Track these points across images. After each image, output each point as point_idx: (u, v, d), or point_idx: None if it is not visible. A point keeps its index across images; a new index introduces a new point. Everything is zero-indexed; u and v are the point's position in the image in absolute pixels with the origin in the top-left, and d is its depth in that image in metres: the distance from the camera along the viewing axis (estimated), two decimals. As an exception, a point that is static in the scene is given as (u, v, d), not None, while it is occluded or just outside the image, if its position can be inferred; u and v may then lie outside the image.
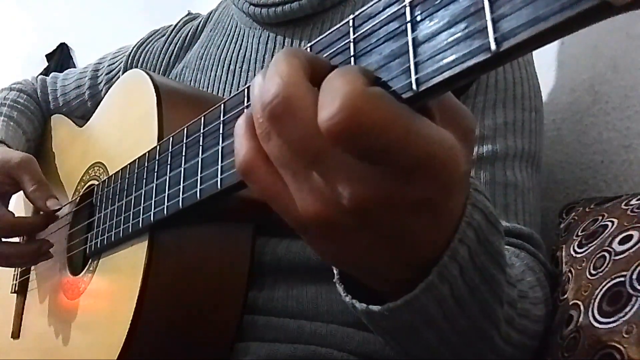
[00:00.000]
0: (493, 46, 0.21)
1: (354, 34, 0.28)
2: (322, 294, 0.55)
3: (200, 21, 0.82)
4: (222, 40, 0.73)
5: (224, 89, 0.68)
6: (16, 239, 0.70)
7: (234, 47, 0.71)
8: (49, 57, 2.31)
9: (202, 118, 0.42)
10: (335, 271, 0.36)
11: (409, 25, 0.25)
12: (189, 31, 0.81)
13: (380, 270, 0.31)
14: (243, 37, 0.71)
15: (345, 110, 0.23)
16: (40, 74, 0.98)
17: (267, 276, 0.56)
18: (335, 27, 0.29)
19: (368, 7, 0.27)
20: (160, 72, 0.79)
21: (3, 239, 0.66)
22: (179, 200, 0.45)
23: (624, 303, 0.45)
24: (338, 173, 0.25)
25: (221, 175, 0.38)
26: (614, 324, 0.45)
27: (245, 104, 0.37)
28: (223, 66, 0.70)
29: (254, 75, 0.66)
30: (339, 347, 0.53)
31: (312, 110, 0.25)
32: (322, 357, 0.52)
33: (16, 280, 0.78)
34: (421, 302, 0.32)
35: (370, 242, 0.28)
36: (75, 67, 1.93)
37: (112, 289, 0.55)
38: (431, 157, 0.24)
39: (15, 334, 0.74)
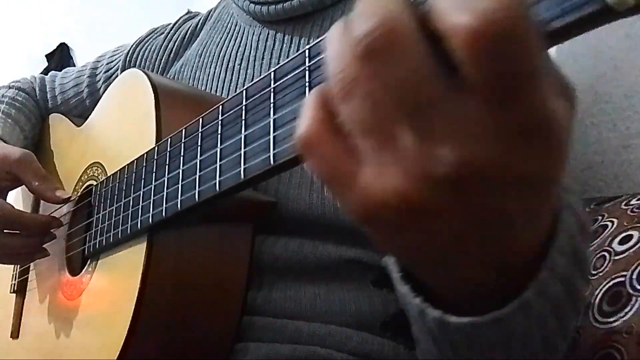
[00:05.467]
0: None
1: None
2: (320, 295, 0.54)
3: (200, 19, 0.81)
4: (221, 38, 0.73)
5: (223, 87, 0.67)
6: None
7: (234, 45, 0.70)
8: (49, 57, 2.30)
9: (201, 119, 0.42)
10: (395, 268, 0.31)
11: None
12: (188, 29, 0.80)
13: (459, 270, 0.26)
14: (243, 35, 0.70)
15: (504, 10, 0.18)
16: (41, 73, 0.98)
17: (265, 276, 0.55)
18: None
19: None
20: (159, 70, 0.79)
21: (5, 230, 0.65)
22: (177, 202, 0.44)
23: (624, 303, 0.45)
24: (446, 127, 0.21)
25: (220, 177, 0.38)
26: (614, 324, 0.45)
27: (244, 103, 0.36)
28: (222, 64, 0.69)
29: (253, 73, 0.66)
30: (338, 348, 0.53)
31: (421, 44, 0.21)
32: (322, 357, 0.52)
33: (15, 280, 0.78)
34: (512, 321, 0.27)
35: (459, 229, 0.23)
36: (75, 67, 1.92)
37: (112, 289, 0.55)
38: (551, 117, 0.20)
39: (15, 334, 0.74)
